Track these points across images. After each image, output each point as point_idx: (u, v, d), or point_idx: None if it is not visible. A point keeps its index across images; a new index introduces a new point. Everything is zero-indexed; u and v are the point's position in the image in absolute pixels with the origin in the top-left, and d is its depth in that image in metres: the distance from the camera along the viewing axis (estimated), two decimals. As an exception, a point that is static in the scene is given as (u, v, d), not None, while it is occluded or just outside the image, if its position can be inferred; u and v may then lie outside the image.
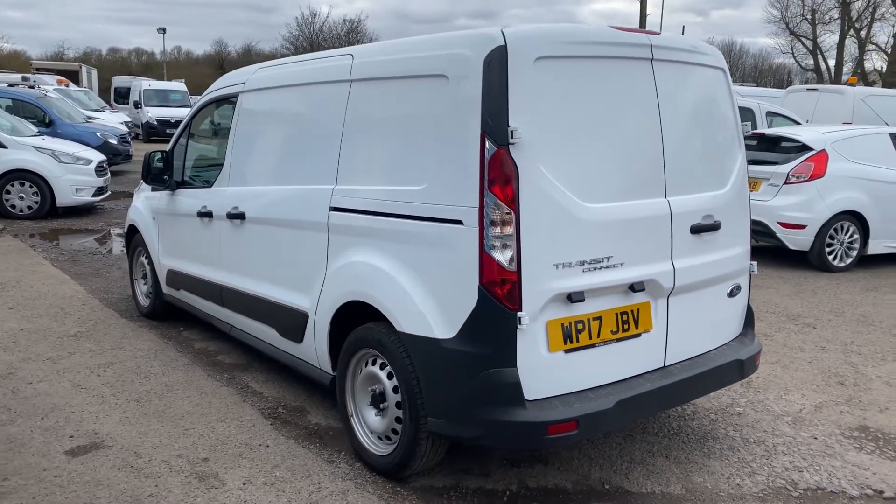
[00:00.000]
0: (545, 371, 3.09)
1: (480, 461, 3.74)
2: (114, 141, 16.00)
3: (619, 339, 3.30)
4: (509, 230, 2.96)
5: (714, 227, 3.61)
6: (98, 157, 11.88)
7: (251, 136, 4.63)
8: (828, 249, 8.48)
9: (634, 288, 3.30)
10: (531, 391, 3.05)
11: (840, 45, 51.82)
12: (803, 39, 55.89)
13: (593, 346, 3.22)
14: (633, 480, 3.62)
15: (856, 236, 8.57)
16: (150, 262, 6.00)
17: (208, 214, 4.93)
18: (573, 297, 3.11)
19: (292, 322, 4.14)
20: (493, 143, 2.95)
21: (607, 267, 3.21)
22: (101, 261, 8.45)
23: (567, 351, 3.14)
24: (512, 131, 2.94)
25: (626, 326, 3.32)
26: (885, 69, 45.30)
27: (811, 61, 55.88)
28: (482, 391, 3.04)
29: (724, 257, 3.70)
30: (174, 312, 6.02)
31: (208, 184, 5.13)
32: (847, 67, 52.14)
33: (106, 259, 8.58)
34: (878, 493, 3.57)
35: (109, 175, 12.28)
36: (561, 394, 3.13)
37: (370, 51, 3.75)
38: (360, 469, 3.66)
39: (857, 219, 8.53)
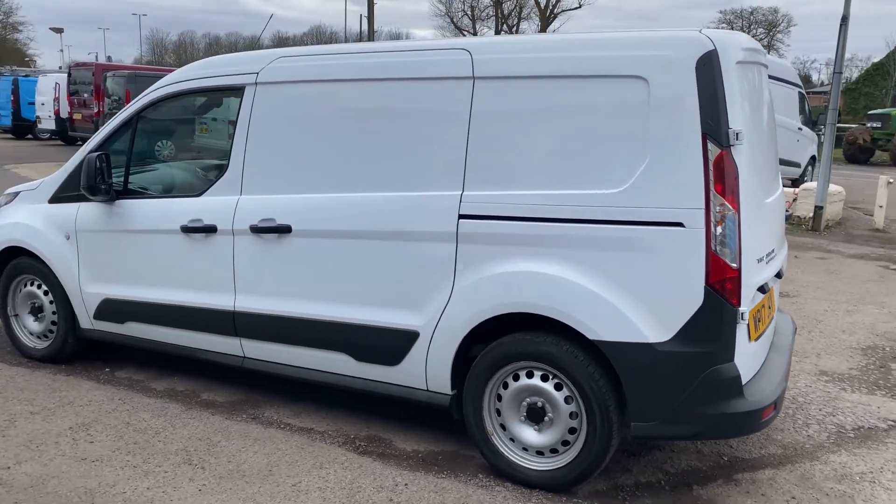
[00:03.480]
0: (747, 361, 3.27)
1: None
2: None
3: (765, 329, 3.60)
4: (733, 229, 3.07)
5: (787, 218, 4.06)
6: None
7: (282, 136, 3.98)
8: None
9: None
10: (742, 381, 3.21)
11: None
12: (466, 33, 61.36)
13: (761, 334, 3.48)
14: (738, 449, 3.97)
15: None
16: (55, 292, 4.81)
17: (207, 229, 4.13)
18: (764, 289, 3.33)
19: (385, 344, 3.72)
20: (715, 145, 3.03)
21: (770, 259, 3.49)
22: None
23: (755, 340, 3.36)
24: (737, 133, 3.05)
25: (762, 316, 3.61)
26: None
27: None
28: (705, 388, 3.12)
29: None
30: (88, 350, 4.93)
31: (192, 192, 4.29)
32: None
33: None
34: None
35: None
36: (751, 380, 3.34)
37: (502, 47, 3.49)
38: (515, 487, 3.48)
39: None
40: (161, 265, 4.38)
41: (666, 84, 3.09)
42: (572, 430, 3.39)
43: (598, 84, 3.24)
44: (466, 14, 61.43)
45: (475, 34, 59.72)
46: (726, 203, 3.05)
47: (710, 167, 3.04)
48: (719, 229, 3.05)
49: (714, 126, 3.04)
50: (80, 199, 4.66)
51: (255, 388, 4.58)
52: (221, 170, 4.19)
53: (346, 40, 60.66)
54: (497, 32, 57.78)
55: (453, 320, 3.53)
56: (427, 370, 3.66)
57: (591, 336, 3.23)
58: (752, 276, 3.22)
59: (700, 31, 3.15)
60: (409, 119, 3.65)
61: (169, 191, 4.80)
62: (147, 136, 4.67)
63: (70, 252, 4.72)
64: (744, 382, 3.24)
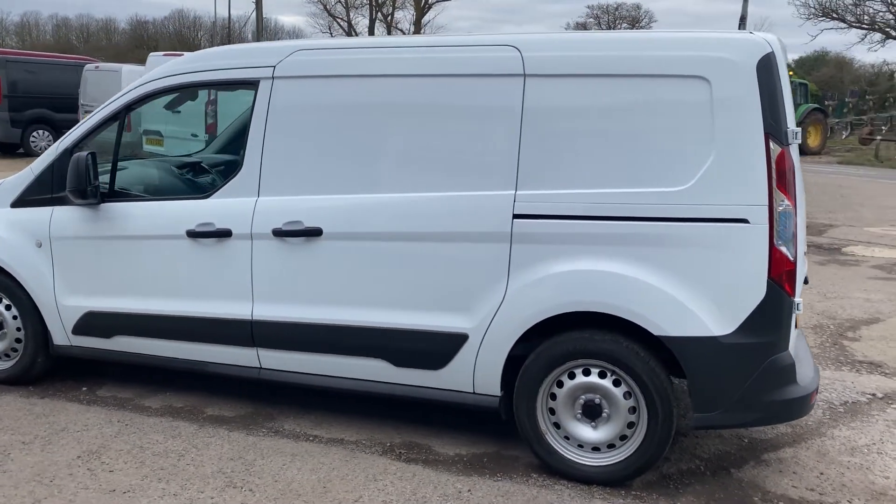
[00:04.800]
0: (793, 347, 3.44)
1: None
2: None
3: None
4: (791, 224, 3.21)
5: None
6: None
7: (307, 134, 3.76)
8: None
9: None
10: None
11: (371, 29, 57.57)
12: (340, 20, 60.47)
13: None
14: (753, 431, 4.17)
15: None
16: (21, 306, 4.34)
17: (219, 234, 3.84)
18: (806, 281, 3.51)
19: (429, 348, 3.62)
20: (777, 144, 3.16)
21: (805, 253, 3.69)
22: None
23: (797, 328, 3.54)
24: (795, 133, 3.19)
25: None
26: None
27: (349, 42, 60.37)
28: (765, 377, 3.26)
29: None
30: (55, 370, 4.51)
31: (195, 193, 3.98)
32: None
33: None
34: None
35: None
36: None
37: (553, 44, 3.46)
38: (574, 485, 3.50)
39: None
40: (160, 274, 4.04)
41: (729, 85, 3.18)
42: (630, 425, 3.45)
43: (658, 83, 3.29)
44: (340, 2, 60.52)
45: (349, 23, 59.08)
46: (786, 199, 3.18)
47: (773, 165, 3.16)
48: (780, 225, 3.18)
49: (775, 125, 3.16)
50: (54, 202, 4.22)
51: (260, 399, 4.34)
52: (232, 169, 3.92)
53: (215, 25, 58.24)
54: (371, 21, 57.40)
55: (507, 321, 3.49)
56: (475, 373, 3.60)
57: (656, 332, 3.29)
58: (801, 268, 3.39)
59: (751, 33, 3.27)
60: (455, 117, 3.56)
61: (165, 192, 4.43)
62: (137, 133, 4.28)
63: (43, 262, 4.26)
64: None
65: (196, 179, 4.64)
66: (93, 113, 4.21)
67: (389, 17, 59.04)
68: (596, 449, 3.51)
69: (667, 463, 3.76)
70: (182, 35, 64.05)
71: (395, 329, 3.67)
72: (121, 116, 4.12)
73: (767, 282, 3.20)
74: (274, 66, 3.82)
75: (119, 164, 4.19)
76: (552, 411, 3.54)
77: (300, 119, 3.79)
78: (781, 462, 3.84)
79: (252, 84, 3.88)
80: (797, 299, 3.28)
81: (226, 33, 56.56)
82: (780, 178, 3.17)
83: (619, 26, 49.85)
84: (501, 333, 3.51)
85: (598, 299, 3.36)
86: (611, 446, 3.49)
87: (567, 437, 3.54)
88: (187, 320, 4.02)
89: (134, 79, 14.80)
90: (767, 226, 3.17)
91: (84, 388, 4.48)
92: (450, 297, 3.58)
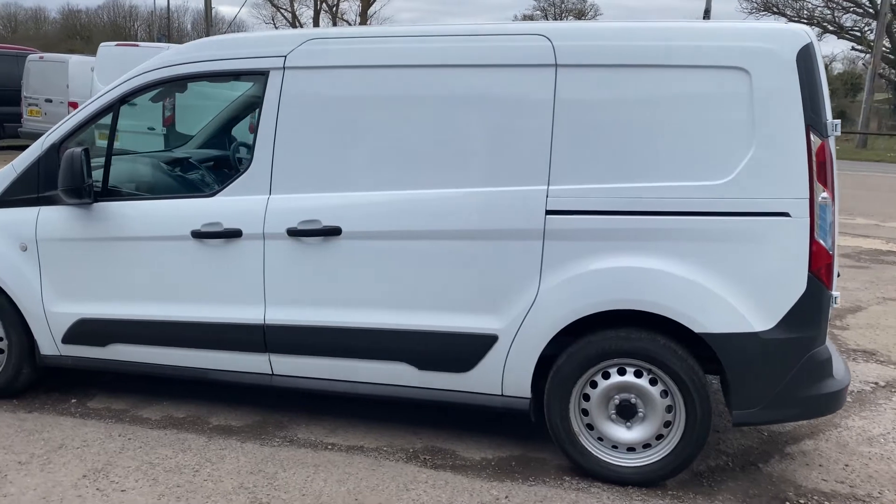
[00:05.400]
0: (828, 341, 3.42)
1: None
2: None
3: None
4: (831, 217, 3.17)
5: None
6: None
7: (322, 128, 3.56)
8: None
9: None
10: (832, 362, 3.35)
11: (315, 21, 56.78)
12: (284, 12, 59.44)
13: None
14: (774, 425, 4.14)
15: None
16: (2, 314, 4.04)
17: (228, 234, 3.62)
18: (839, 274, 3.49)
19: (456, 350, 3.48)
20: (817, 136, 3.11)
21: None
22: None
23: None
24: (835, 125, 3.14)
25: None
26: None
27: (293, 33, 59.39)
28: (804, 372, 3.23)
29: None
30: (39, 381, 4.24)
31: (199, 191, 3.75)
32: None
33: None
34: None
35: None
36: None
37: (586, 34, 3.34)
38: (611, 487, 3.41)
39: None
40: (162, 277, 3.79)
41: (769, 76, 3.12)
42: (667, 424, 3.37)
43: (696, 74, 3.20)
44: (284, -8, 59.38)
45: (293, 13, 58.09)
46: (826, 192, 3.14)
47: (813, 158, 3.11)
48: (820, 218, 3.14)
49: (815, 117, 3.11)
50: (41, 202, 3.93)
51: (265, 407, 4.13)
52: (239, 165, 3.70)
53: (153, 15, 56.60)
54: (316, 11, 56.60)
55: (540, 321, 3.37)
56: (504, 375, 3.48)
57: (697, 329, 3.22)
58: (836, 260, 3.36)
59: (786, 24, 3.21)
60: (482, 109, 3.41)
61: (164, 190, 4.16)
62: (128, 130, 4.01)
63: (29, 266, 3.96)
64: None
65: (196, 176, 4.38)
66: (82, 106, 3.92)
67: (335, 8, 58.33)
68: (631, 449, 3.43)
69: (696, 460, 3.71)
70: (117, 25, 62.04)
71: (420, 331, 3.52)
72: (115, 109, 3.85)
73: (808, 276, 3.16)
74: (285, 56, 3.60)
75: (114, 160, 3.91)
76: (585, 412, 3.44)
77: (315, 112, 3.59)
78: (805, 455, 3.82)
79: (260, 75, 3.66)
80: (835, 292, 3.25)
81: (165, 24, 55.09)
82: (820, 170, 3.13)
83: (565, 18, 50.22)
84: (533, 334, 3.39)
85: (637, 297, 3.26)
86: (646, 446, 3.41)
87: (601, 439, 3.45)
88: (191, 326, 3.79)
89: (83, 70, 14.26)
90: (808, 219, 3.13)
91: (73, 401, 4.20)
92: (478, 296, 3.45)
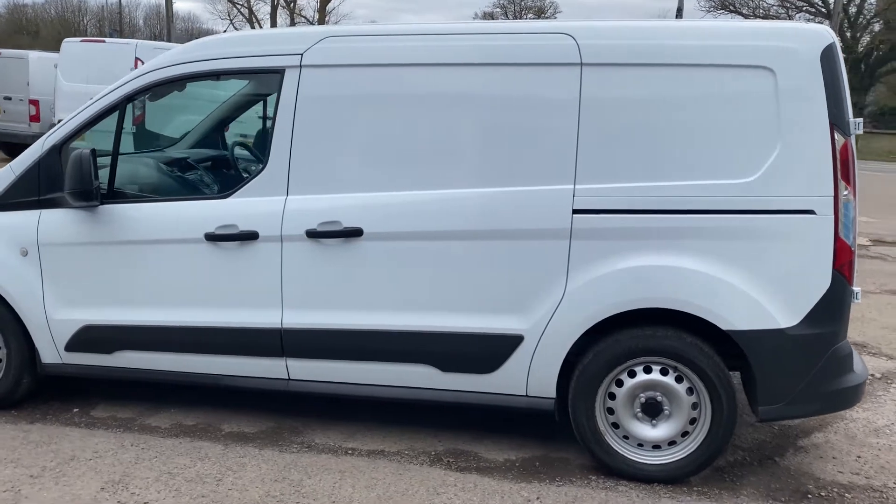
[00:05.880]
0: (847, 336, 3.48)
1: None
2: None
3: None
4: (852, 214, 3.23)
5: None
6: None
7: (341, 127, 3.49)
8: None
9: None
10: (852, 357, 3.41)
11: (272, 16, 56.04)
12: (238, 7, 58.47)
13: None
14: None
15: None
16: (6, 321, 3.88)
17: (244, 236, 3.53)
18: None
19: (480, 351, 3.46)
20: (840, 134, 3.16)
21: None
22: None
23: (845, 315, 3.58)
24: (858, 123, 3.19)
25: None
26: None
27: (249, 29, 58.65)
28: (827, 367, 3.28)
29: None
30: (38, 391, 4.10)
31: (211, 192, 3.65)
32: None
33: None
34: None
35: None
36: None
37: (610, 33, 3.33)
38: (637, 485, 3.42)
39: None
40: (172, 281, 3.68)
41: (794, 75, 3.15)
42: (692, 421, 3.39)
43: (721, 73, 3.22)
44: (239, -16, 58.41)
45: (250, 9, 57.20)
46: (848, 189, 3.19)
47: (837, 156, 3.16)
48: (844, 215, 3.19)
49: (839, 116, 3.16)
50: (42, 204, 3.78)
51: (276, 412, 4.04)
52: (254, 165, 3.61)
53: (104, 10, 55.23)
54: (273, 7, 55.81)
55: (566, 321, 3.36)
56: (529, 375, 3.46)
57: (724, 326, 3.24)
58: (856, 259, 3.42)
59: (806, 24, 3.25)
60: (507, 107, 3.39)
61: (175, 192, 4.04)
62: (137, 129, 3.88)
63: (30, 271, 3.81)
64: None
65: (207, 177, 4.27)
66: (86, 105, 3.78)
67: (292, 4, 57.61)
68: (656, 447, 3.44)
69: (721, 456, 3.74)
70: (66, 20, 60.35)
71: (444, 333, 3.48)
72: (121, 107, 3.72)
73: (832, 272, 3.21)
74: (301, 54, 3.53)
75: (120, 160, 3.78)
76: (610, 411, 3.45)
77: (334, 111, 3.51)
78: (818, 448, 3.89)
79: (275, 73, 3.57)
80: (856, 288, 3.31)
81: (116, 19, 53.76)
82: (843, 168, 3.17)
83: (524, 16, 50.47)
84: (560, 333, 3.38)
85: (665, 295, 3.28)
86: (672, 443, 3.43)
87: (626, 437, 3.46)
88: (203, 331, 3.69)
89: (44, 67, 13.82)
90: (833, 216, 3.17)
91: (76, 410, 4.06)
92: (504, 297, 3.42)
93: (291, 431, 3.86)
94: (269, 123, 3.90)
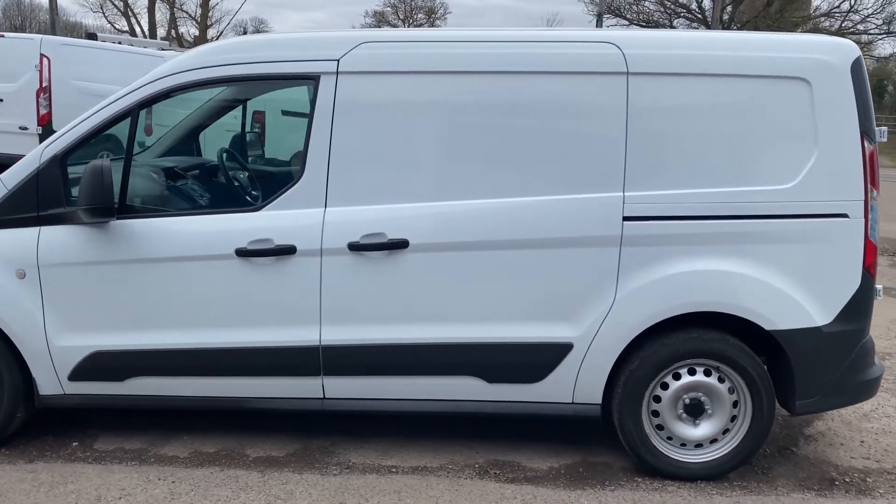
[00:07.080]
0: (865, 331, 3.70)
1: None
2: None
3: None
4: (877, 216, 3.44)
5: None
6: None
7: (382, 136, 3.37)
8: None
9: None
10: (873, 350, 3.64)
11: (150, 9, 53.49)
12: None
13: None
14: (779, 409, 4.43)
15: None
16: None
17: (281, 251, 3.35)
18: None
19: (528, 361, 3.44)
20: (868, 142, 3.36)
21: None
22: None
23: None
24: (883, 132, 3.41)
25: None
26: (197, 36, 48.79)
27: (125, 22, 55.56)
28: (856, 361, 3.48)
29: None
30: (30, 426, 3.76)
31: (240, 205, 3.43)
32: (162, 31, 53.64)
33: None
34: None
35: None
36: None
37: (655, 43, 3.38)
38: (685, 484, 3.50)
39: None
40: (198, 300, 3.44)
41: (828, 86, 3.32)
42: (732, 419, 3.51)
43: (761, 83, 3.35)
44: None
45: (126, 2, 54.25)
46: (875, 194, 3.40)
47: (867, 162, 3.36)
48: (872, 218, 3.40)
49: (867, 124, 3.36)
50: (41, 221, 3.45)
51: (298, 433, 3.85)
52: (288, 176, 3.43)
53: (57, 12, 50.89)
54: (152, 3, 53.19)
55: (616, 327, 3.40)
56: (577, 382, 3.48)
57: (768, 327, 3.38)
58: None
59: (837, 38, 3.44)
60: (555, 115, 3.39)
61: (197, 205, 3.76)
62: (154, 138, 3.60)
63: (28, 294, 3.46)
64: None
65: (237, 188, 3.99)
66: (91, 112, 3.46)
67: (168, -2, 55.10)
68: (699, 446, 3.54)
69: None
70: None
71: (491, 343, 3.44)
72: (133, 114, 3.43)
73: (862, 272, 3.41)
74: (338, 61, 3.38)
75: (134, 172, 3.49)
76: (655, 413, 3.51)
77: (374, 119, 3.39)
78: (824, 436, 4.12)
79: (309, 80, 3.40)
80: (878, 286, 3.53)
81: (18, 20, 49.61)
82: (872, 173, 3.38)
83: (415, 16, 50.61)
84: (610, 340, 3.41)
85: (714, 299, 3.38)
86: (713, 441, 3.53)
87: (670, 438, 3.54)
88: (231, 352, 3.47)
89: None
90: (864, 219, 3.37)
91: (75, 444, 3.72)
92: (553, 305, 3.42)
93: (322, 451, 3.70)
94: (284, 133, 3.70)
